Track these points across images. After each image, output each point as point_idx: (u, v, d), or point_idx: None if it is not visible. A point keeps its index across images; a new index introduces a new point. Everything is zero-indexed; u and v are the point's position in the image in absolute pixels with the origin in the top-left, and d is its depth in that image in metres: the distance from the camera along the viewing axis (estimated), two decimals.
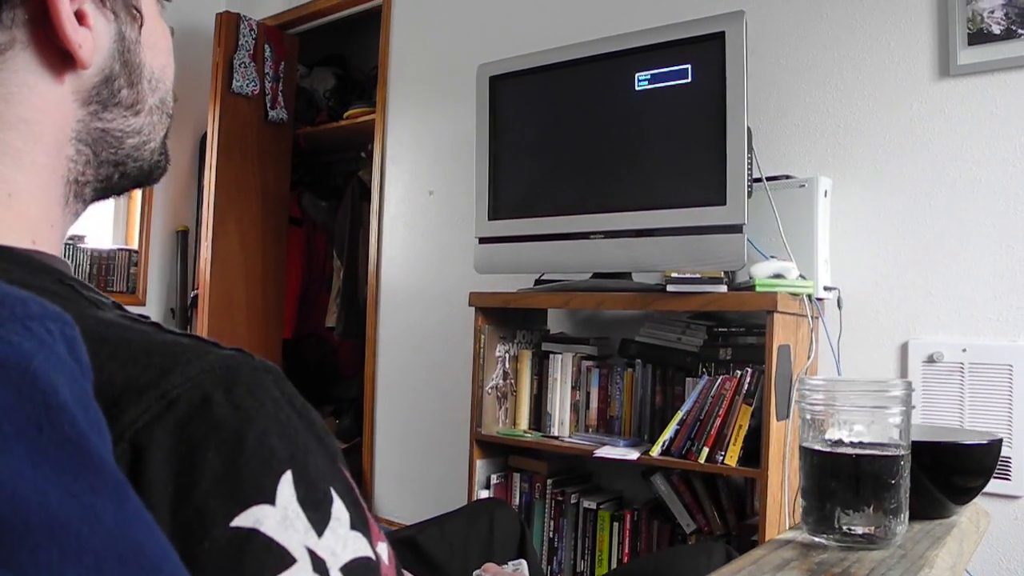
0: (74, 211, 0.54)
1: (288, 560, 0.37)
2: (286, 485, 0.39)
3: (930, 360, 1.91)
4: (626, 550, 2.13)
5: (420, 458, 2.99)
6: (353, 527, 0.41)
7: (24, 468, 0.26)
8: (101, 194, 0.56)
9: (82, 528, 0.26)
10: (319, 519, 0.39)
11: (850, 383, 0.86)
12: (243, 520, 0.37)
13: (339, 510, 0.41)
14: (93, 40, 0.49)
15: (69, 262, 0.57)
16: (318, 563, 0.38)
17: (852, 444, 0.82)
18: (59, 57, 0.48)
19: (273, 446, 0.39)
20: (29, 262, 0.46)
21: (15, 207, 0.48)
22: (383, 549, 0.47)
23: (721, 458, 1.82)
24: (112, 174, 0.55)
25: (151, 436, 0.37)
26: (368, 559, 0.41)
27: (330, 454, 0.43)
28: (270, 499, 0.38)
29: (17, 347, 0.29)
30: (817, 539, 0.83)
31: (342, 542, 0.40)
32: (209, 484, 0.37)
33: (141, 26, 0.54)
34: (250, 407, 0.40)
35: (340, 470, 0.44)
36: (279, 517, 0.38)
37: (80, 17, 0.49)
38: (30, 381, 0.28)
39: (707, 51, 1.91)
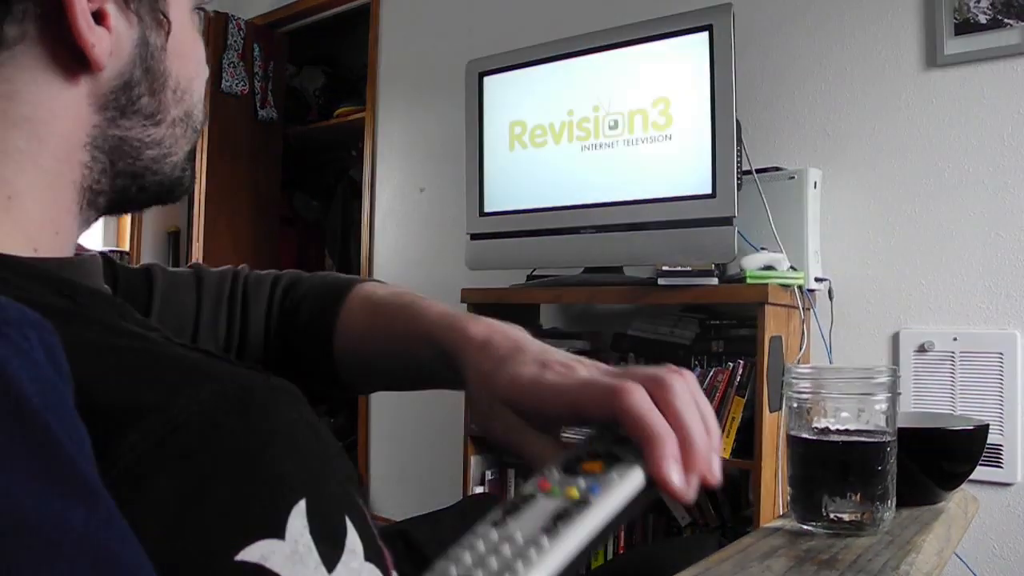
0: (85, 219, 0.51)
1: None
2: (298, 517, 0.36)
3: (921, 349, 1.92)
4: (621, 544, 2.13)
5: (415, 455, 2.99)
6: (368, 558, 0.39)
7: None
8: (116, 206, 0.54)
9: (52, 533, 0.26)
10: (332, 552, 0.37)
11: (836, 371, 0.86)
12: (249, 554, 0.34)
13: (353, 541, 0.39)
14: (111, 41, 0.47)
15: (97, 255, 0.55)
16: None
17: (839, 432, 0.82)
18: (72, 57, 0.46)
19: (285, 474, 0.37)
20: (29, 271, 0.43)
21: (15, 212, 0.45)
22: None
23: None
24: (129, 186, 0.52)
25: (153, 461, 0.35)
26: None
27: (344, 478, 0.41)
28: (279, 533, 0.35)
29: None
30: (805, 527, 0.83)
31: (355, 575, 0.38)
32: (214, 514, 0.35)
33: (168, 33, 0.51)
34: (264, 432, 0.38)
35: (352, 495, 0.41)
36: (288, 551, 0.35)
37: (100, 17, 0.46)
38: (3, 386, 0.27)
39: (695, 44, 1.91)
